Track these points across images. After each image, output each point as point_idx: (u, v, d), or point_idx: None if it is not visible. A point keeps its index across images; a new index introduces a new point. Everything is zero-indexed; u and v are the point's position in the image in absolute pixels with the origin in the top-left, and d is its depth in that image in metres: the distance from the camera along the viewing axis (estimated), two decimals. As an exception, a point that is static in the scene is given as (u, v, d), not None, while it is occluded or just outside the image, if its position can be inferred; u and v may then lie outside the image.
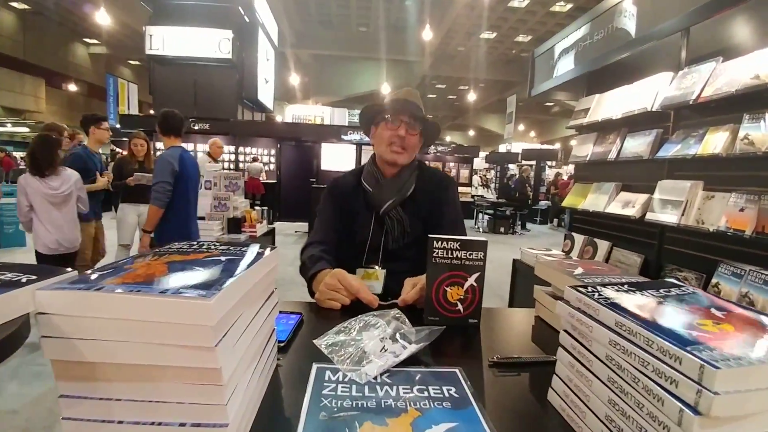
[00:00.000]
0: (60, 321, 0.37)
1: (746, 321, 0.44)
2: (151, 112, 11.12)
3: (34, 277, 0.39)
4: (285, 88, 17.73)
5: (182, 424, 0.39)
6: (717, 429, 0.35)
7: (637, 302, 0.49)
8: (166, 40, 9.45)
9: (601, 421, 0.46)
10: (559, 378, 0.56)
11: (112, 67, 18.67)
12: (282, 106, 17.67)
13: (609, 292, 0.52)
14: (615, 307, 0.47)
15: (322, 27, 16.55)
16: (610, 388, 0.45)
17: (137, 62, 20.07)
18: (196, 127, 9.75)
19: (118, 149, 13.06)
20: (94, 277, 0.41)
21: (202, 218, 3.53)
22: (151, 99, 10.64)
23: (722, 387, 0.33)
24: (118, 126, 12.47)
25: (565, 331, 0.55)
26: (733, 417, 0.35)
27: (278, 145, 10.52)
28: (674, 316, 0.45)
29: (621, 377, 0.43)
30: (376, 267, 1.24)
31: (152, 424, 0.39)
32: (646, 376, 0.40)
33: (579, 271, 0.83)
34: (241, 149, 10.85)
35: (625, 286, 0.55)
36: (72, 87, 17.96)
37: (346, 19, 15.88)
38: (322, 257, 1.18)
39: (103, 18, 11.20)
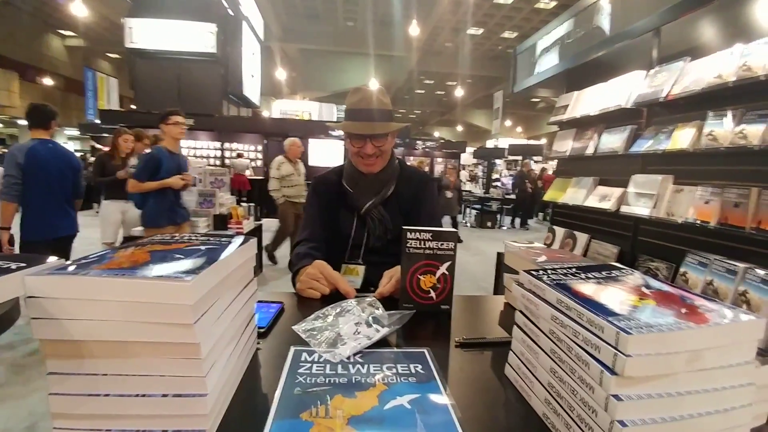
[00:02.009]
0: (48, 304, 0.40)
1: (668, 297, 0.50)
2: (133, 107, 10.90)
3: (23, 265, 0.43)
4: (272, 82, 17.55)
5: (164, 395, 0.43)
6: (631, 388, 0.40)
7: (579, 283, 0.54)
8: (147, 33, 9.27)
9: (545, 388, 0.52)
10: (514, 353, 0.61)
11: (90, 61, 18.18)
12: (269, 102, 17.51)
13: (556, 275, 0.57)
14: (558, 286, 0.52)
15: (308, 21, 16.41)
16: (551, 358, 0.51)
17: (117, 55, 19.59)
18: (181, 123, 9.59)
19: (98, 145, 12.80)
20: (79, 264, 0.44)
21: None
22: (131, 93, 10.44)
23: (634, 350, 0.39)
24: (97, 121, 12.21)
25: (520, 311, 0.61)
26: (644, 377, 0.40)
27: (265, 141, 10.46)
28: (607, 294, 0.50)
29: (560, 347, 0.49)
30: (358, 262, 1.27)
31: (137, 395, 0.43)
32: (577, 344, 0.45)
33: (542, 258, 0.89)
34: (227, 145, 10.75)
35: (573, 269, 0.61)
36: (48, 81, 17.43)
37: (332, 14, 15.79)
38: (309, 254, 1.20)
39: (78, 9, 10.90)
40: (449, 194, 8.01)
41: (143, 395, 0.43)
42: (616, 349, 0.40)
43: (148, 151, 3.29)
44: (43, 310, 0.40)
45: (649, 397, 0.40)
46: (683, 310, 0.45)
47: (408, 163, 1.51)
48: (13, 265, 0.42)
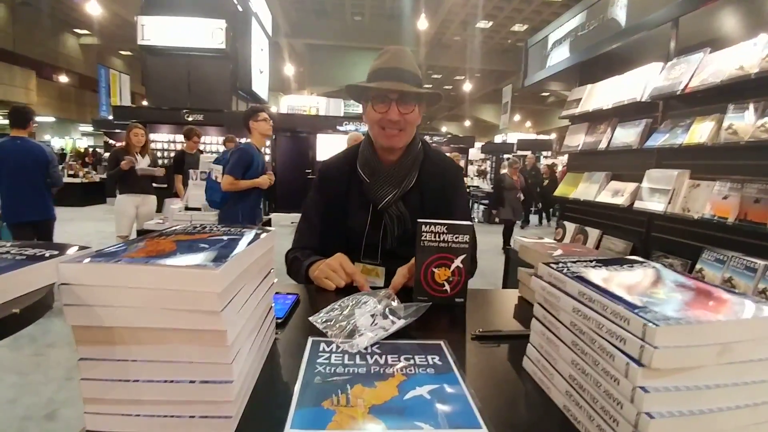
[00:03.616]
0: (81, 291, 0.41)
1: (695, 290, 0.49)
2: (144, 103, 11.03)
3: (56, 252, 0.44)
4: (280, 78, 17.60)
5: (192, 381, 0.44)
6: (658, 380, 0.40)
7: (599, 275, 0.54)
8: (159, 30, 9.36)
9: (566, 380, 0.52)
10: (533, 346, 0.61)
11: (104, 58, 18.42)
12: (277, 97, 17.57)
13: (576, 267, 0.57)
14: (579, 279, 0.52)
15: (316, 16, 16.39)
16: (573, 351, 0.50)
17: (129, 53, 19.83)
18: (190, 119, 9.69)
19: (111, 141, 12.98)
20: (110, 252, 0.45)
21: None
22: (143, 90, 10.56)
23: (662, 342, 0.38)
24: (110, 118, 12.37)
25: (539, 303, 0.60)
26: (671, 369, 0.40)
27: (273, 136, 10.50)
28: (629, 286, 0.50)
29: (582, 340, 0.49)
30: (377, 263, 1.17)
31: (165, 381, 0.44)
32: (601, 336, 0.45)
33: (558, 252, 0.89)
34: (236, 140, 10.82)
35: (593, 262, 0.60)
36: (63, 78, 17.72)
37: (340, 8, 15.74)
38: (312, 254, 1.14)
39: (93, 8, 11.05)
40: (521, 196, 6.87)
41: (171, 381, 0.44)
42: (643, 340, 0.39)
43: (242, 146, 3.16)
44: (75, 296, 0.41)
45: (676, 390, 0.40)
46: (711, 303, 0.44)
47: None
48: (47, 253, 0.43)
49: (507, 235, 6.94)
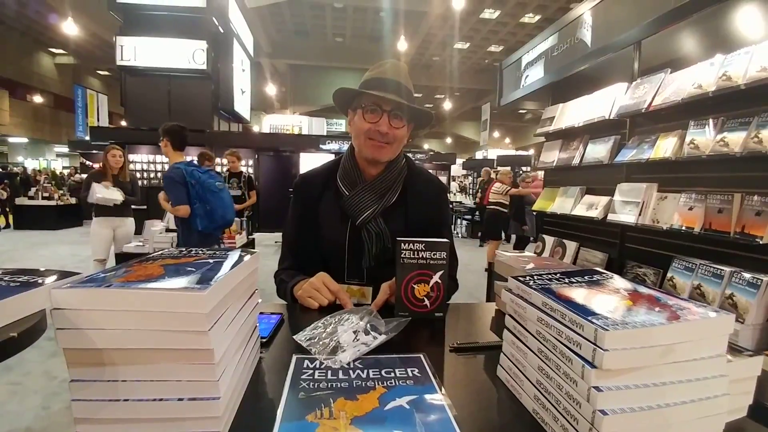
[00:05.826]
0: (73, 315, 0.43)
1: (644, 297, 0.54)
2: (123, 123, 10.90)
3: (48, 279, 0.45)
4: (262, 97, 17.70)
5: (180, 399, 0.46)
6: (610, 379, 0.44)
7: (562, 287, 0.59)
8: (138, 51, 9.34)
9: (534, 385, 0.55)
10: (505, 355, 0.65)
11: (80, 78, 18.22)
12: (259, 116, 17.61)
13: (542, 280, 0.62)
14: (543, 290, 0.57)
15: (298, 37, 16.66)
16: (538, 357, 0.55)
17: (107, 72, 19.66)
18: (171, 139, 9.58)
19: (88, 162, 12.72)
20: (100, 277, 0.48)
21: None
22: (121, 110, 10.45)
23: (611, 345, 0.43)
24: (87, 138, 12.16)
25: (510, 315, 0.65)
26: (620, 370, 0.44)
27: (256, 156, 10.49)
28: (587, 296, 0.55)
29: (546, 347, 0.53)
30: (363, 282, 1.14)
31: (154, 400, 0.46)
32: (561, 342, 0.49)
33: (530, 266, 0.94)
34: (217, 161, 10.76)
35: (558, 275, 0.65)
36: (37, 98, 17.41)
37: (321, 29, 16.05)
38: (297, 274, 1.13)
39: (69, 28, 10.97)
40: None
41: (160, 399, 0.45)
42: (595, 344, 0.44)
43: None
44: (68, 320, 0.43)
45: (627, 388, 0.44)
46: (657, 309, 0.49)
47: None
48: (41, 280, 0.45)
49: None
